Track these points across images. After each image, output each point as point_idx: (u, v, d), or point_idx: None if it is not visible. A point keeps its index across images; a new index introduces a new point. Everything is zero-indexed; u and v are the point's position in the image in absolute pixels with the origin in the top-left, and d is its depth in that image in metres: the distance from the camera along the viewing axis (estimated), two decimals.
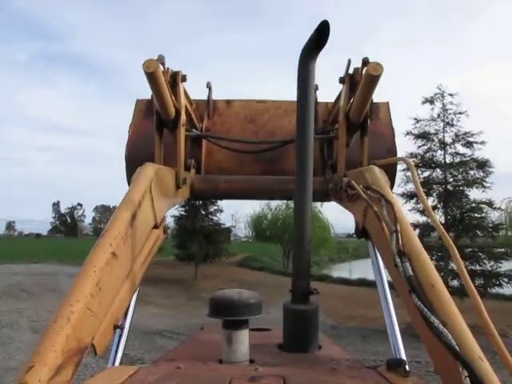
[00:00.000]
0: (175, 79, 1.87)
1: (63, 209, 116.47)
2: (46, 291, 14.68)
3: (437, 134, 12.62)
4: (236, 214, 27.92)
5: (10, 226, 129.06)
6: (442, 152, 12.47)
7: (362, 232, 1.62)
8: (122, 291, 1.24)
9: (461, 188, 12.00)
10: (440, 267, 11.35)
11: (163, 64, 1.69)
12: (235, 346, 1.22)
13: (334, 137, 2.08)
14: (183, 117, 1.91)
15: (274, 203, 21.66)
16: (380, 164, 1.70)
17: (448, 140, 12.52)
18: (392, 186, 1.88)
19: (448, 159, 12.38)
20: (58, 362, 0.87)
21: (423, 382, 0.94)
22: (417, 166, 12.47)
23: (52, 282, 16.86)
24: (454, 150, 12.44)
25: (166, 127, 1.92)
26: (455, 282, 11.02)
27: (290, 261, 19.80)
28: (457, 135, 12.46)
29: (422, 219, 12.18)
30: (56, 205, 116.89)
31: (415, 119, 12.79)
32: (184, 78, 1.92)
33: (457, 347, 0.89)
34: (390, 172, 1.83)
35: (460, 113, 12.52)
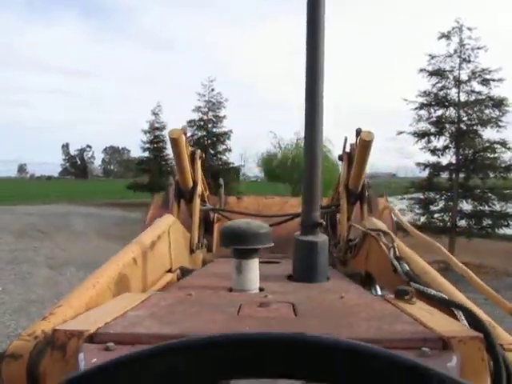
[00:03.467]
0: (194, 156, 2.11)
1: (73, 151, 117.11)
2: (59, 230, 15.08)
3: (452, 71, 12.07)
4: (245, 154, 27.58)
5: (21, 168, 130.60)
6: (457, 90, 12.04)
7: (365, 278, 1.70)
8: None
9: (474, 127, 11.68)
10: (449, 207, 11.38)
11: (185, 134, 1.87)
12: (245, 275, 1.23)
13: (336, 211, 2.21)
14: (200, 188, 2.11)
15: (284, 142, 21.45)
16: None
17: (464, 77, 12.01)
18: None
19: (463, 97, 11.93)
20: (81, 311, 0.95)
21: (430, 308, 0.96)
22: (430, 105, 12.15)
23: (65, 222, 17.28)
24: (469, 88, 11.94)
25: (183, 198, 2.09)
26: (463, 222, 11.09)
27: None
28: (473, 72, 11.90)
29: (432, 159, 12.02)
30: (65, 147, 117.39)
31: (430, 55, 12.23)
32: (201, 156, 2.17)
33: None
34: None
35: (478, 48, 11.92)
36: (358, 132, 1.80)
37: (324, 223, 1.49)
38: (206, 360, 0.42)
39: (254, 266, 1.25)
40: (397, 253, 1.35)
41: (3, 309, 6.36)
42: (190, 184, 2.04)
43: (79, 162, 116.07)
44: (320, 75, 1.45)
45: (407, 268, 1.24)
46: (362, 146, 1.76)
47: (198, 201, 2.08)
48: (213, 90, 23.49)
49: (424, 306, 0.97)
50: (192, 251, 1.98)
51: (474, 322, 0.85)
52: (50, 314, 0.90)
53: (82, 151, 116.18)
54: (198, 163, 2.14)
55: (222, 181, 2.74)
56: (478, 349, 0.73)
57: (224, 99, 23.70)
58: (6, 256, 10.31)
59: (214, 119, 23.81)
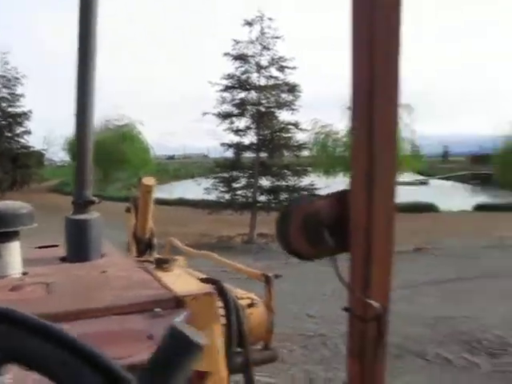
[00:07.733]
0: None
1: None
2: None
3: (254, 56, 12.99)
4: (49, 136, 25.00)
5: None
6: (258, 74, 12.94)
7: None
8: None
9: (272, 110, 12.78)
10: (250, 184, 12.18)
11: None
12: (5, 259, 1.19)
13: None
14: None
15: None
16: None
17: (264, 63, 13.02)
18: None
19: (263, 82, 12.96)
20: None
21: (186, 274, 1.07)
22: (233, 87, 12.78)
23: None
24: (268, 74, 13.04)
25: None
26: (263, 198, 12.04)
27: (108, 184, 18.95)
28: (272, 59, 13.02)
29: (235, 139, 12.78)
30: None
31: (234, 40, 12.89)
32: None
33: None
34: None
35: (277, 37, 13.00)
36: (140, 179, 1.91)
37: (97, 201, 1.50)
38: None
39: (15, 250, 1.21)
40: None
41: None
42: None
43: None
44: (92, 59, 1.45)
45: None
46: (144, 191, 1.86)
47: None
48: (7, 63, 20.59)
49: (181, 272, 1.07)
50: None
51: (207, 280, 0.97)
52: None
53: None
54: None
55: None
56: (210, 303, 0.84)
57: (21, 75, 21.05)
58: None
59: (9, 97, 21.14)
